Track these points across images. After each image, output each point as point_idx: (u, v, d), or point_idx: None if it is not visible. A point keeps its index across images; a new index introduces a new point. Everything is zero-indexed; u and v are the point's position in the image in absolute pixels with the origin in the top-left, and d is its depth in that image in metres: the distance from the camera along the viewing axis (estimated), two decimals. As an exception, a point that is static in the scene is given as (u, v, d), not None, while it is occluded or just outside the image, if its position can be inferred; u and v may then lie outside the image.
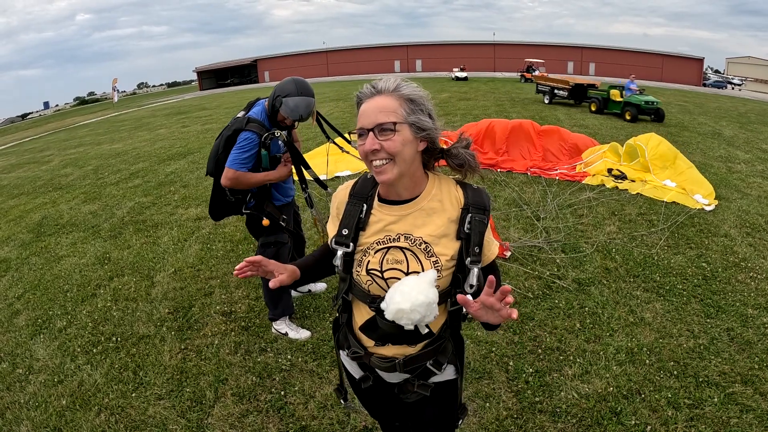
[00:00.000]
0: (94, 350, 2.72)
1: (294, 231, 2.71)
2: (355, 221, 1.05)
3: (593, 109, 12.45)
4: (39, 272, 3.95)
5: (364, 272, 1.04)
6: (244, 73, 49.58)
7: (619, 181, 5.52)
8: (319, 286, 3.20)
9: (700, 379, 2.24)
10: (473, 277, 1.00)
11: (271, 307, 2.67)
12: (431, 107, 1.01)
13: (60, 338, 2.89)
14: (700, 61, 37.87)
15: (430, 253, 0.99)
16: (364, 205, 1.06)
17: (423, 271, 0.99)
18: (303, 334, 2.67)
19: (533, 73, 26.66)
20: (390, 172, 0.96)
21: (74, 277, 3.78)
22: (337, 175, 5.87)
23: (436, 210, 1.02)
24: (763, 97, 27.67)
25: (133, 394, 2.31)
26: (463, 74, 29.19)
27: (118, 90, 33.31)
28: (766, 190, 5.45)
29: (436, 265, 0.99)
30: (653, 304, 2.92)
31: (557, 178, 5.75)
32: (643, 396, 2.13)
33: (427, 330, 1.00)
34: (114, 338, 2.82)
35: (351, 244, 1.05)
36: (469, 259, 1.00)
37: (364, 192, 1.08)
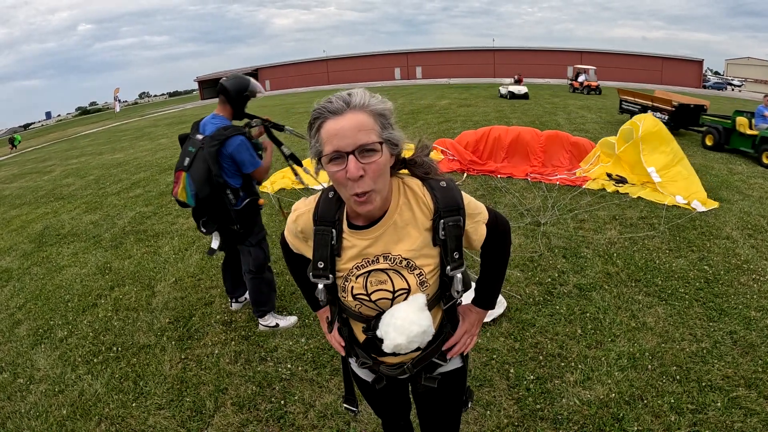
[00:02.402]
0: (95, 360, 2.72)
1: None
2: (328, 251, 0.98)
3: (709, 143, 8.42)
4: (40, 282, 3.97)
5: (350, 298, 1.00)
6: (245, 81, 49.98)
7: (620, 185, 5.52)
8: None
9: (703, 384, 2.21)
10: (458, 283, 0.99)
11: (260, 303, 2.80)
12: (394, 118, 0.95)
13: (61, 348, 2.89)
14: (700, 63, 38.01)
15: (412, 267, 0.96)
16: (333, 231, 0.97)
17: (408, 286, 0.96)
18: (291, 320, 2.88)
19: (579, 80, 23.55)
20: (375, 200, 0.88)
21: (75, 286, 3.79)
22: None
23: (408, 221, 0.96)
24: (762, 97, 27.67)
25: (134, 404, 2.30)
26: (522, 90, 18.54)
27: (119, 100, 33.60)
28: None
29: (420, 277, 0.97)
30: (655, 309, 2.90)
31: (557, 183, 5.76)
32: (645, 401, 2.11)
33: (430, 338, 1.01)
34: (115, 348, 2.82)
35: (330, 275, 0.99)
36: (449, 267, 0.97)
37: (329, 215, 0.97)
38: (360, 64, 46.35)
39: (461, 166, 6.35)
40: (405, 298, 0.97)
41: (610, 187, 5.46)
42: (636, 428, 1.95)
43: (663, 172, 5.37)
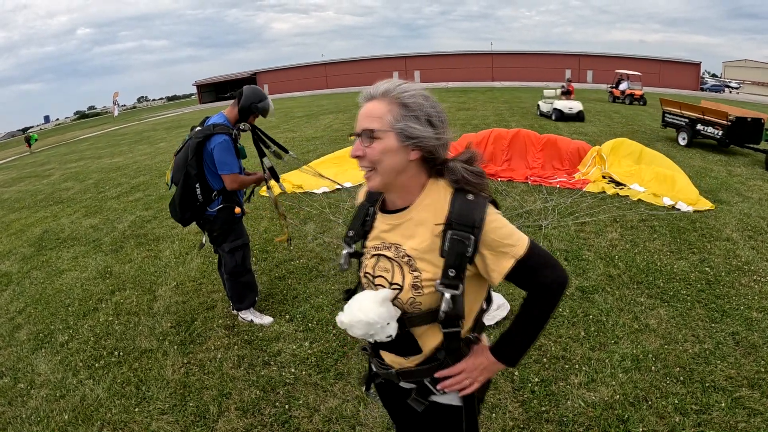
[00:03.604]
0: (97, 365, 2.70)
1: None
2: (361, 223, 1.07)
3: None
4: (40, 286, 3.95)
5: (362, 274, 1.06)
6: (243, 86, 50.06)
7: (620, 187, 5.55)
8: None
9: (707, 384, 2.22)
10: (444, 303, 0.90)
11: (236, 300, 2.92)
12: (434, 113, 0.91)
13: (62, 353, 2.88)
14: (697, 65, 38.27)
15: (412, 268, 0.94)
16: (371, 209, 1.06)
17: (403, 282, 0.95)
18: (266, 319, 2.95)
19: (620, 88, 20.04)
20: (373, 180, 0.94)
21: (76, 291, 3.77)
22: (338, 187, 5.88)
23: (424, 222, 0.95)
24: (761, 100, 27.89)
25: (136, 409, 2.29)
26: (575, 106, 12.44)
27: (118, 104, 33.58)
28: (767, 193, 5.46)
29: (416, 280, 0.93)
30: (657, 310, 2.91)
31: (558, 186, 5.78)
32: (649, 403, 2.12)
33: (385, 338, 0.96)
34: (116, 352, 2.81)
35: (353, 246, 1.07)
36: (438, 281, 0.91)
37: (375, 195, 1.07)
38: (359, 68, 46.46)
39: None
40: (397, 295, 0.96)
41: (610, 190, 5.49)
42: (641, 429, 1.96)
43: (645, 180, 5.57)
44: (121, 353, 2.79)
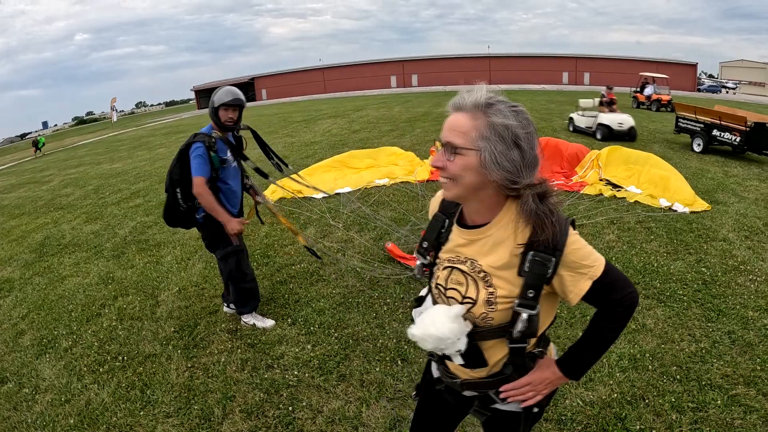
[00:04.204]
0: (101, 369, 2.73)
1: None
2: (435, 235, 1.07)
3: None
4: (43, 292, 3.97)
5: (434, 284, 1.07)
6: (241, 91, 50.16)
7: (617, 190, 5.60)
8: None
9: (703, 383, 2.26)
10: (521, 322, 0.92)
11: (238, 304, 2.98)
12: (523, 133, 0.87)
13: (66, 358, 2.90)
14: (694, 66, 38.52)
15: (488, 283, 0.95)
16: (447, 221, 1.06)
17: (476, 298, 0.96)
18: (267, 322, 2.99)
19: (645, 93, 18.17)
20: (450, 190, 0.94)
21: (78, 296, 3.80)
22: (337, 191, 5.93)
23: (503, 240, 0.94)
24: (758, 100, 28.03)
25: (141, 413, 2.32)
26: (626, 121, 9.75)
27: (116, 109, 33.63)
28: (763, 193, 5.52)
29: (490, 296, 0.95)
30: (654, 311, 2.95)
31: (556, 189, 5.82)
32: (647, 401, 2.15)
33: (460, 361, 1.01)
34: (120, 357, 2.83)
35: (428, 257, 1.08)
36: (517, 300, 0.92)
37: (451, 207, 1.07)
38: (356, 72, 46.64)
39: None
40: (469, 309, 0.98)
41: (608, 192, 5.54)
42: (638, 427, 1.99)
43: (641, 182, 5.65)
44: (125, 358, 2.82)
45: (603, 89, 11.98)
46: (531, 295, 0.91)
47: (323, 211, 5.12)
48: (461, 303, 0.99)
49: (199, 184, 2.53)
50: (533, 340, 1.01)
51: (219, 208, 2.59)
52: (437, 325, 0.96)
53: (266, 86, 48.18)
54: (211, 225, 2.68)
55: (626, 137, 9.46)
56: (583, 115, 10.71)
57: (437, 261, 1.07)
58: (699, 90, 37.58)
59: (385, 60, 47.27)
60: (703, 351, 2.51)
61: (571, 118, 11.17)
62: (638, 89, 18.88)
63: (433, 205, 1.14)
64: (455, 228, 1.05)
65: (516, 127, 0.87)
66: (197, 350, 2.82)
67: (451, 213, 1.06)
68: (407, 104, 20.67)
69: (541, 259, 0.90)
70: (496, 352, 1.01)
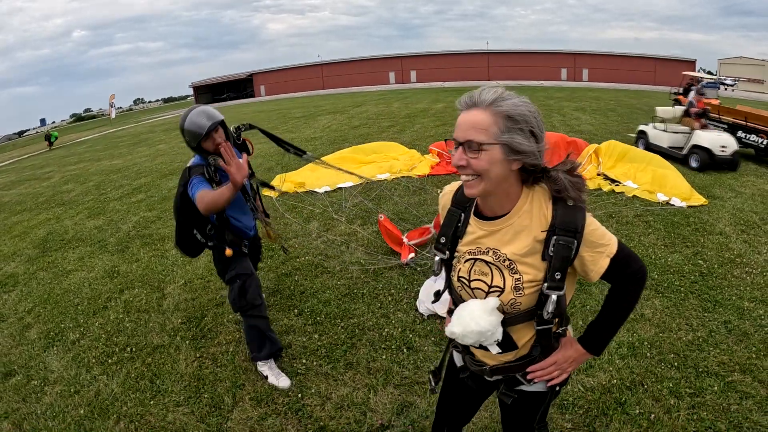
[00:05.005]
0: (109, 360, 2.77)
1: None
2: (453, 230, 1.10)
3: None
4: (48, 286, 4.01)
5: (456, 278, 1.11)
6: (239, 87, 49.87)
7: (615, 184, 5.66)
8: None
9: (700, 370, 2.32)
10: (550, 304, 0.97)
11: (253, 348, 2.47)
12: (536, 123, 0.94)
13: (74, 350, 2.94)
14: (693, 63, 38.46)
15: (513, 270, 1.00)
16: (462, 215, 1.10)
17: (503, 286, 1.01)
18: (282, 381, 2.40)
19: (690, 98, 10.91)
20: (476, 188, 0.96)
21: (84, 290, 3.83)
22: (339, 186, 5.97)
23: (525, 227, 0.99)
24: (757, 97, 28.06)
25: (152, 402, 2.36)
26: (729, 144, 6.39)
27: (114, 106, 33.43)
28: (760, 188, 5.58)
29: (517, 282, 0.99)
30: (652, 301, 3.01)
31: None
32: (645, 387, 2.22)
33: (498, 350, 1.06)
34: (128, 349, 2.88)
35: (447, 252, 1.11)
36: (546, 284, 0.97)
37: (465, 201, 1.09)
38: (355, 68, 46.47)
39: (460, 169, 6.43)
40: (497, 297, 1.02)
41: (606, 187, 5.60)
42: (638, 411, 2.05)
43: (638, 178, 5.69)
44: (133, 349, 2.86)
45: (691, 95, 8.51)
46: (558, 277, 0.96)
47: (325, 205, 5.16)
48: (488, 292, 1.03)
49: (201, 200, 2.00)
50: (556, 320, 1.06)
51: (221, 190, 1.96)
52: (477, 320, 1.00)
53: (264, 82, 47.98)
54: (217, 255, 2.36)
55: (725, 166, 6.47)
56: (665, 131, 7.41)
57: (456, 255, 1.10)
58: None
59: (383, 56, 47.11)
60: (700, 340, 2.57)
61: (642, 133, 7.99)
62: (681, 91, 15.76)
63: (444, 200, 1.16)
64: (473, 220, 1.08)
65: (530, 118, 0.93)
66: (205, 341, 2.86)
67: (467, 206, 1.09)
68: (406, 100, 20.64)
69: (564, 242, 0.95)
70: (524, 335, 1.07)
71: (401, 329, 2.80)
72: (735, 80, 15.17)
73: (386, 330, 2.81)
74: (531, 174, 0.99)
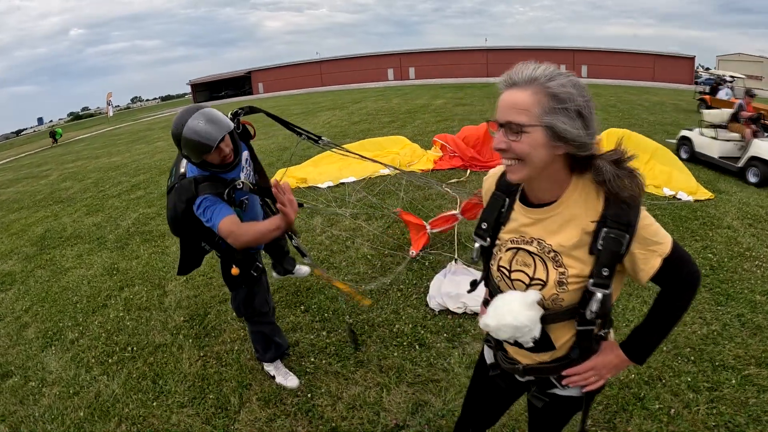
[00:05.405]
0: (110, 360, 2.70)
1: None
2: (495, 215, 1.02)
3: None
4: (46, 284, 3.93)
5: (495, 267, 1.03)
6: (238, 85, 49.60)
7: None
8: (303, 270, 3.01)
9: (716, 363, 2.28)
10: (595, 302, 0.89)
11: (259, 350, 2.36)
12: (584, 103, 0.85)
13: (72, 350, 2.87)
14: (691, 59, 38.46)
15: (558, 263, 0.92)
16: (507, 200, 1.02)
17: (546, 280, 0.93)
18: (290, 381, 2.32)
19: (719, 97, 13.08)
20: (518, 172, 0.89)
21: (83, 288, 3.76)
22: (342, 181, 5.89)
23: (574, 217, 0.91)
24: (756, 93, 28.03)
25: (154, 403, 2.30)
26: None
27: (112, 104, 33.17)
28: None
29: (561, 276, 0.91)
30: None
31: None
32: (663, 381, 2.17)
33: (531, 344, 0.97)
34: (129, 348, 2.81)
35: (488, 238, 1.03)
36: (592, 280, 0.89)
37: (511, 185, 1.01)
38: (353, 65, 46.28)
39: (463, 163, 6.38)
40: (539, 290, 0.94)
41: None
42: (657, 406, 2.01)
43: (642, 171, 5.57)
44: (134, 348, 2.79)
45: (739, 98, 7.57)
46: (606, 273, 0.88)
47: (329, 200, 5.09)
48: (529, 285, 0.96)
49: (230, 224, 1.68)
50: (599, 322, 0.98)
51: (266, 223, 1.66)
52: (514, 314, 0.92)
53: (263, 80, 47.73)
54: (224, 271, 2.17)
55: None
56: (716, 138, 6.36)
57: (497, 242, 1.03)
58: (696, 83, 37.59)
59: (382, 53, 46.94)
60: (715, 333, 2.53)
61: (686, 140, 6.92)
62: (708, 90, 14.48)
63: (488, 183, 1.09)
64: (518, 207, 1.00)
65: (577, 97, 0.84)
66: (209, 339, 2.80)
67: (512, 191, 1.02)
68: (405, 96, 20.55)
69: (615, 235, 0.87)
70: (562, 335, 0.99)
71: (412, 325, 2.74)
72: (733, 77, 14.84)
73: (397, 326, 2.75)
74: (579, 161, 0.90)
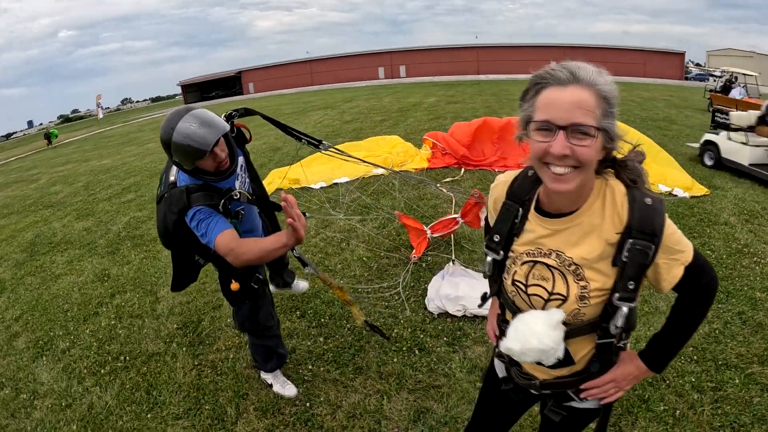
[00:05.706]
0: (102, 371, 2.63)
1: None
2: (509, 227, 0.96)
3: None
4: (36, 292, 3.84)
5: (509, 282, 0.97)
6: (228, 85, 49.25)
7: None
8: (301, 286, 2.90)
9: (720, 363, 2.27)
10: (620, 317, 0.85)
11: (258, 360, 2.27)
12: (617, 104, 0.82)
13: (64, 360, 2.80)
14: (682, 55, 38.81)
15: (579, 277, 0.87)
16: (520, 210, 0.95)
17: (567, 294, 0.88)
18: (288, 390, 2.25)
19: (732, 96, 11.82)
20: (571, 182, 0.80)
21: (74, 295, 3.67)
22: (335, 182, 5.83)
23: (595, 228, 0.86)
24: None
25: (149, 415, 2.23)
26: None
27: (102, 106, 32.79)
28: (759, 178, 5.56)
29: (583, 290, 0.87)
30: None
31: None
32: (667, 382, 2.15)
33: (553, 361, 0.92)
34: (122, 357, 2.74)
35: (501, 252, 0.97)
36: (617, 294, 0.84)
37: (522, 194, 0.95)
38: (344, 64, 46.11)
39: (455, 161, 6.33)
40: (558, 306, 0.90)
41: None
42: (662, 408, 1.99)
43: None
44: (127, 358, 2.72)
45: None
46: (632, 287, 0.83)
47: (322, 201, 5.03)
48: (547, 300, 0.91)
49: (228, 239, 1.55)
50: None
51: (271, 240, 1.55)
52: (539, 336, 0.87)
53: (253, 80, 47.42)
54: (223, 287, 2.05)
55: None
56: (747, 143, 5.72)
57: (510, 255, 0.97)
58: (687, 78, 37.94)
59: (372, 51, 46.80)
60: (717, 332, 2.52)
61: (710, 144, 6.23)
62: (718, 89, 13.70)
63: (497, 192, 1.02)
64: (533, 217, 0.94)
65: (615, 98, 0.80)
66: (203, 347, 2.73)
67: (525, 201, 0.95)
68: (397, 95, 20.49)
69: (641, 247, 0.82)
70: (581, 348, 0.95)
71: (411, 329, 2.69)
72: (723, 72, 14.85)
73: (395, 330, 2.70)
74: (604, 164, 0.86)
